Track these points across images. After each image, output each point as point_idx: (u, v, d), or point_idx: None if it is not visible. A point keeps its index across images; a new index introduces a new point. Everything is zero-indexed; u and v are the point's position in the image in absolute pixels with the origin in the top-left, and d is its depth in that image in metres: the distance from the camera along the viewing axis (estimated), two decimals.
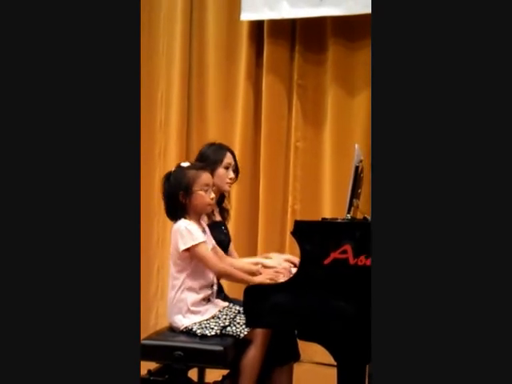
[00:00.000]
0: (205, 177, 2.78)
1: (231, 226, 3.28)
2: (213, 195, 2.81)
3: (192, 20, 4.59)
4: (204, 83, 4.59)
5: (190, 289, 2.73)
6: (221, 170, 3.03)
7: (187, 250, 2.70)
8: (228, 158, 3.09)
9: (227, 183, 3.08)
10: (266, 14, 4.26)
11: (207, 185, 2.78)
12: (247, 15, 4.32)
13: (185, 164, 2.84)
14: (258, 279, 2.71)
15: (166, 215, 4.45)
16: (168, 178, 2.82)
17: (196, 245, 2.70)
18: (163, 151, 4.68)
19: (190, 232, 2.71)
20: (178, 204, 2.76)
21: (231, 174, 3.09)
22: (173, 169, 2.86)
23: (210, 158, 3.04)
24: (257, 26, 4.42)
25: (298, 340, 2.91)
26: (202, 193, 2.76)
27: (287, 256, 3.16)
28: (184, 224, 2.73)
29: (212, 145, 3.17)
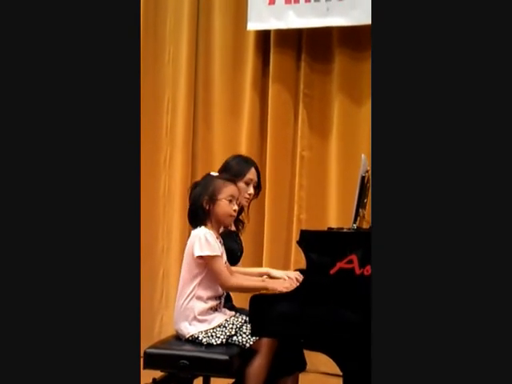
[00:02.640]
0: (231, 188, 2.79)
1: None
2: (236, 207, 2.81)
3: (198, 29, 4.60)
4: (210, 92, 4.60)
5: (199, 298, 2.73)
6: (241, 185, 3.00)
7: (202, 257, 2.70)
8: (251, 174, 3.08)
9: (245, 198, 3.05)
10: (272, 24, 4.27)
11: (232, 196, 2.78)
12: (254, 25, 4.33)
13: (214, 173, 2.87)
14: (271, 285, 2.68)
15: (169, 222, 4.55)
16: (195, 186, 2.84)
17: (212, 256, 2.69)
18: (169, 159, 4.69)
19: (208, 242, 2.70)
20: (200, 210, 2.76)
21: (251, 190, 3.07)
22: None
23: (232, 169, 3.03)
24: (263, 36, 4.43)
25: (304, 349, 2.91)
26: (226, 202, 2.76)
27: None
28: (203, 232, 2.73)
29: (238, 156, 3.17)
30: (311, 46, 4.34)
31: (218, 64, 4.56)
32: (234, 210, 2.80)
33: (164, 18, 4.67)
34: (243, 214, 3.17)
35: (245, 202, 3.08)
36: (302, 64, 4.35)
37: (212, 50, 4.58)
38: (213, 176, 2.85)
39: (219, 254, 2.72)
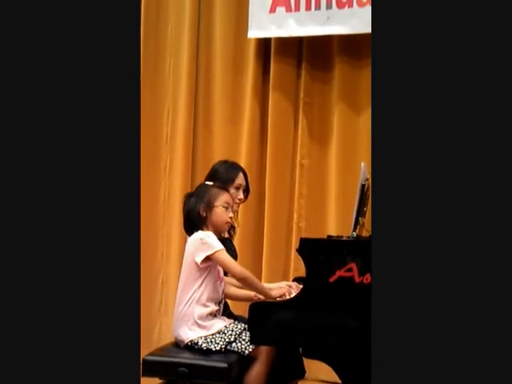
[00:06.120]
0: (227, 195, 2.85)
1: (236, 242, 3.28)
2: (231, 214, 2.86)
3: (199, 37, 4.61)
4: (210, 99, 4.60)
5: (198, 302, 2.74)
6: (231, 191, 3.03)
7: (207, 258, 2.71)
8: (240, 179, 3.12)
9: (235, 203, 3.09)
10: (273, 32, 4.28)
11: (228, 203, 2.83)
12: (254, 33, 4.34)
13: (209, 182, 2.93)
14: (276, 292, 2.70)
15: (168, 229, 4.55)
16: (190, 196, 2.87)
17: (217, 251, 2.71)
18: (169, 166, 4.69)
19: (210, 239, 2.73)
20: (197, 217, 2.78)
21: (241, 195, 3.13)
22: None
23: (221, 175, 3.07)
24: (264, 44, 4.43)
25: (303, 357, 2.90)
26: (222, 209, 2.80)
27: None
28: (202, 233, 2.75)
29: (225, 162, 3.20)
30: (311, 55, 4.34)
31: (219, 71, 4.57)
32: (230, 217, 2.85)
33: (165, 26, 4.67)
34: (233, 218, 3.18)
35: (235, 207, 3.11)
36: (303, 72, 4.36)
37: (212, 57, 4.59)
38: (207, 185, 2.90)
39: (222, 247, 2.75)
